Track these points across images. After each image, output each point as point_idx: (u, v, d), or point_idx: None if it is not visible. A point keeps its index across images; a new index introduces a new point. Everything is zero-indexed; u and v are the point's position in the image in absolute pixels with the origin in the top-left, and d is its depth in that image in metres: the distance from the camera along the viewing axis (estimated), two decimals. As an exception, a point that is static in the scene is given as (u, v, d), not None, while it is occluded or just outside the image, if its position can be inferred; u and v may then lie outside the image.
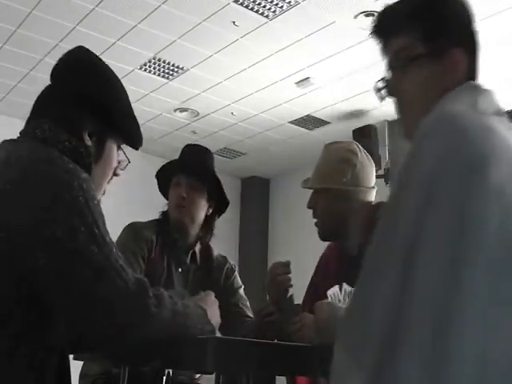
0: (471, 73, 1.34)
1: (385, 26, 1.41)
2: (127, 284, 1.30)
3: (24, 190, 1.30)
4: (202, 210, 2.53)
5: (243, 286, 2.65)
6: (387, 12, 1.41)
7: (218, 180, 2.54)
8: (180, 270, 2.52)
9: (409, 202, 1.09)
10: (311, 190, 2.29)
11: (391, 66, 1.39)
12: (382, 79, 1.43)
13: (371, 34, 1.44)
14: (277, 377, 2.04)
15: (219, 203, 2.60)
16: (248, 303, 2.60)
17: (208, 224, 2.58)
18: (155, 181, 2.64)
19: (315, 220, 2.28)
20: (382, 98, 1.45)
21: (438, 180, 1.08)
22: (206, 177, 2.52)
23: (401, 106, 1.40)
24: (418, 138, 1.15)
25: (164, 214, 2.58)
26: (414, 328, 1.02)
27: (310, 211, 2.28)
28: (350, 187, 2.20)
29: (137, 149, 1.67)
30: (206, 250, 2.61)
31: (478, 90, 1.30)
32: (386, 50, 1.43)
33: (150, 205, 2.66)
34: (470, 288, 1.01)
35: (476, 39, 1.36)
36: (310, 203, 2.28)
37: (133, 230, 2.47)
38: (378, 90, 1.44)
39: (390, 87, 1.41)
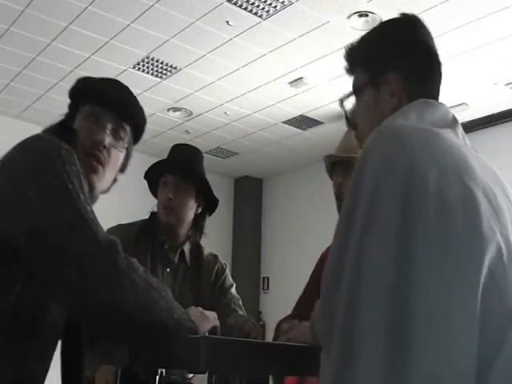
0: (419, 92, 1.41)
1: (347, 67, 1.57)
2: (98, 239, 1.32)
3: (7, 161, 1.39)
4: (191, 210, 2.50)
5: (235, 285, 2.64)
6: (346, 53, 1.56)
7: (205, 179, 2.51)
8: (168, 269, 2.49)
9: (355, 214, 1.16)
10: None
11: (347, 98, 1.55)
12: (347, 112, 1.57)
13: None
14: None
15: (208, 202, 2.57)
16: (240, 302, 2.58)
17: (197, 223, 2.55)
18: (148, 180, 2.63)
19: (340, 199, 2.25)
20: (351, 126, 1.58)
21: (378, 189, 1.13)
22: (192, 176, 2.49)
23: (356, 132, 1.54)
24: (363, 153, 1.23)
25: (153, 214, 2.56)
26: (369, 329, 1.05)
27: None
28: None
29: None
30: (196, 249, 2.59)
31: (427, 105, 1.37)
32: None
33: (143, 204, 2.65)
34: (418, 288, 1.05)
35: (423, 59, 1.45)
36: (338, 178, 2.28)
37: None
38: (347, 120, 1.58)
39: (349, 117, 1.56)
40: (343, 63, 1.56)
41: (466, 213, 1.11)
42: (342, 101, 1.54)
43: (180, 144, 2.72)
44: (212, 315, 1.58)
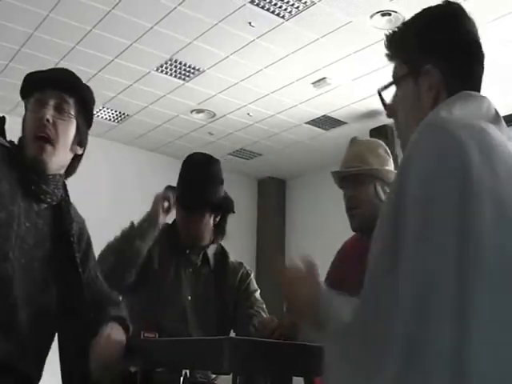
0: (461, 83, 1.37)
1: (386, 54, 1.52)
2: None
3: None
4: (208, 226, 2.52)
5: (259, 290, 2.64)
6: (386, 40, 1.51)
7: (218, 199, 2.50)
8: (191, 270, 2.52)
9: (406, 206, 1.11)
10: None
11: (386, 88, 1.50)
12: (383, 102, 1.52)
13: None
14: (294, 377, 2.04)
15: (225, 208, 2.57)
16: (264, 306, 2.58)
17: (218, 228, 2.58)
18: (173, 183, 2.63)
19: (352, 210, 2.33)
20: (390, 116, 1.53)
21: (433, 182, 1.10)
22: (203, 205, 2.49)
23: (395, 122, 1.49)
24: (411, 145, 1.19)
25: (173, 224, 2.58)
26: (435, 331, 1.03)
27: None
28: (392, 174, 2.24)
29: None
30: (221, 254, 2.60)
31: (470, 97, 1.33)
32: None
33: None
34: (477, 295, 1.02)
35: (466, 50, 1.40)
36: (348, 191, 2.34)
37: None
38: (386, 110, 1.53)
39: (388, 107, 1.50)
40: (382, 51, 1.51)
41: None
42: (380, 92, 1.50)
43: (192, 167, 2.58)
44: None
